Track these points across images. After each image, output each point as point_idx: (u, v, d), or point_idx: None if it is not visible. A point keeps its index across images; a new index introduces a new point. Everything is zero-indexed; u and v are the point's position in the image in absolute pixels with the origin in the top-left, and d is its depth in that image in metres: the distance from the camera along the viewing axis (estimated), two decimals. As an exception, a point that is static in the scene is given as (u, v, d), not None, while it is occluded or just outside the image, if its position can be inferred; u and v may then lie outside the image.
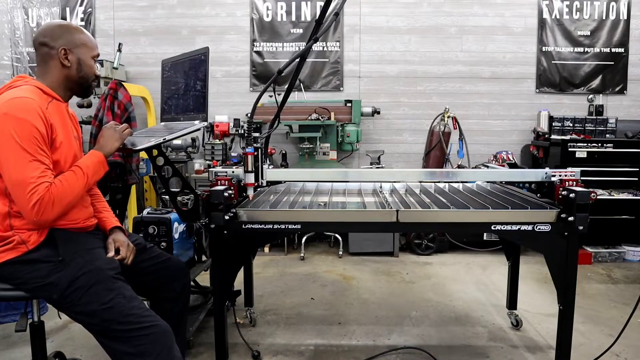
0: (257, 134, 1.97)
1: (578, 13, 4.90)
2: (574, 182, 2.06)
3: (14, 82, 1.68)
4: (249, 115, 1.96)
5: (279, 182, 2.68)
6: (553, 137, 4.55)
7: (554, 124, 4.73)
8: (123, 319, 1.52)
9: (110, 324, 1.52)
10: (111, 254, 1.72)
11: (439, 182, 2.71)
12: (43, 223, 1.56)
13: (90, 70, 1.78)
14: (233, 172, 2.16)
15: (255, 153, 1.98)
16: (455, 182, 2.64)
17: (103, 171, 1.73)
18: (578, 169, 2.12)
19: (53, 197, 1.52)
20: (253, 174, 1.98)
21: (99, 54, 1.83)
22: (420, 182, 2.80)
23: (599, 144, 4.28)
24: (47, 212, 1.52)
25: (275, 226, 1.98)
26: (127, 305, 1.55)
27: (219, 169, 2.22)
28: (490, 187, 2.64)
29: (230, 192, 2.01)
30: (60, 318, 1.80)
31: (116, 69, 4.42)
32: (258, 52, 5.00)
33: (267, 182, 2.19)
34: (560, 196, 2.02)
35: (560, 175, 2.09)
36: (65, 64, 1.70)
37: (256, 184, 2.02)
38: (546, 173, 2.13)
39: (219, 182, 2.10)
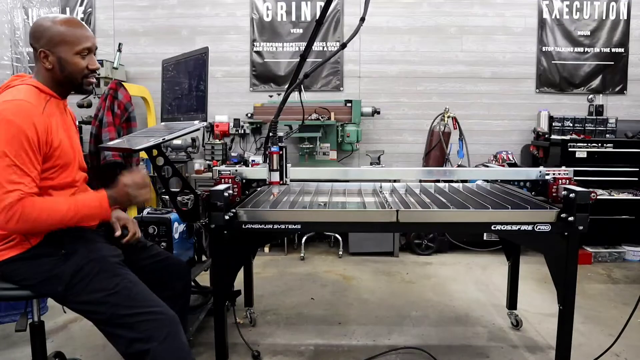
0: (281, 134, 1.98)
1: (578, 13, 4.90)
2: (567, 180, 2.12)
3: (11, 82, 1.65)
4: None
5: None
6: (553, 137, 4.55)
7: (554, 124, 4.73)
8: (129, 303, 1.51)
9: (117, 309, 1.51)
10: (118, 232, 1.71)
11: (438, 181, 2.71)
12: (9, 231, 1.52)
13: (75, 68, 1.65)
14: (236, 170, 2.18)
15: (281, 152, 1.98)
16: (456, 182, 2.64)
17: (99, 219, 1.67)
18: (571, 169, 2.18)
19: (21, 211, 1.44)
20: (278, 172, 1.98)
21: (88, 48, 1.66)
22: (420, 182, 2.80)
23: (599, 144, 4.28)
24: (12, 222, 1.45)
25: (275, 226, 1.98)
26: (133, 289, 1.54)
27: (222, 167, 2.23)
28: (490, 187, 2.64)
29: (230, 192, 2.01)
30: (65, 312, 1.77)
31: (116, 69, 4.43)
32: (258, 52, 5.00)
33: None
34: (554, 194, 2.09)
35: (554, 174, 2.15)
36: (46, 66, 1.63)
37: (281, 182, 2.02)
38: (540, 171, 2.20)
39: (222, 180, 2.11)
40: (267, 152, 1.93)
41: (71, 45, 1.63)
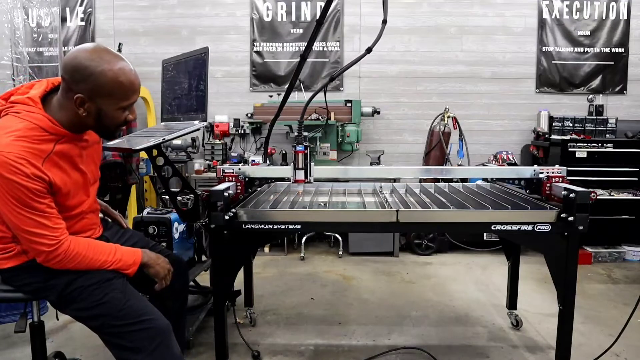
0: (306, 133, 2.02)
1: (578, 13, 4.90)
2: (560, 179, 2.16)
3: (16, 108, 1.45)
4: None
5: (282, 179, 2.69)
6: (553, 137, 4.55)
7: (554, 124, 4.73)
8: (118, 313, 1.51)
9: (107, 319, 1.51)
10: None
11: (439, 181, 2.71)
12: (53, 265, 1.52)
13: (114, 121, 1.50)
14: (240, 169, 2.19)
15: (306, 151, 2.03)
16: (455, 181, 2.65)
17: (127, 268, 1.61)
18: (564, 167, 2.22)
19: (63, 255, 1.47)
20: (303, 170, 2.04)
21: (133, 102, 1.50)
22: (420, 181, 2.80)
23: (599, 144, 4.28)
24: (57, 264, 1.49)
25: (275, 226, 1.98)
26: (122, 300, 1.53)
27: (226, 166, 2.26)
28: (490, 187, 2.64)
29: (230, 192, 2.01)
30: (58, 319, 1.79)
31: (116, 69, 4.42)
32: (258, 52, 5.00)
33: (270, 179, 2.24)
34: (547, 191, 2.14)
35: (547, 172, 2.20)
36: (79, 112, 1.44)
37: (306, 181, 2.06)
38: (534, 170, 2.24)
39: (226, 178, 2.15)
40: (268, 152, 1.97)
41: (118, 100, 1.46)
